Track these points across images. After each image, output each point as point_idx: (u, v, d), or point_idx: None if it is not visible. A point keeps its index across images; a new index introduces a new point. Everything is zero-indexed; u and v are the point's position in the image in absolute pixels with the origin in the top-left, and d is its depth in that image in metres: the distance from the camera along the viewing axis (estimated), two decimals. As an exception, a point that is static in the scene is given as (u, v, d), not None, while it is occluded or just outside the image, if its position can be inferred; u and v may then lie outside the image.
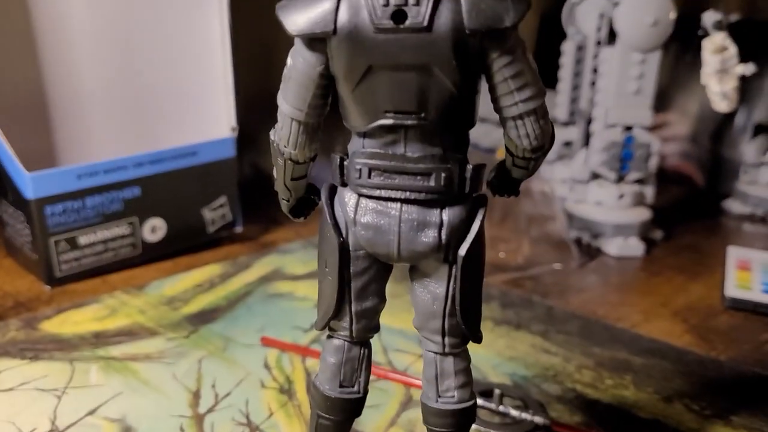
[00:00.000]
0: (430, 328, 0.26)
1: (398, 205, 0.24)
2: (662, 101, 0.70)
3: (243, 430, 0.35)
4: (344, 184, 0.25)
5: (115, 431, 0.34)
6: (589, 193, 0.61)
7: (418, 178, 0.24)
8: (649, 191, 0.62)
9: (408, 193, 0.24)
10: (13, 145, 0.48)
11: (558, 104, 0.67)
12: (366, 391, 0.28)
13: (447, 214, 0.24)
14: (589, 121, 0.63)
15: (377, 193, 0.24)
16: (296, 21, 0.22)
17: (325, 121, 0.25)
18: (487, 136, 0.73)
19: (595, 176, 0.61)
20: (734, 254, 0.58)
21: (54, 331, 0.44)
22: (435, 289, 0.25)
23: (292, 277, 0.53)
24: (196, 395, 0.37)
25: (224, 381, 0.39)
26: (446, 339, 0.26)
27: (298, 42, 0.23)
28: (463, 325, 0.25)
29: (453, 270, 0.25)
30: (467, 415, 0.27)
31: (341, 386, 0.27)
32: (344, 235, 0.25)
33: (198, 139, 0.55)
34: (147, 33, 0.57)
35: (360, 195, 0.24)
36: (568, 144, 0.67)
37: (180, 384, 0.38)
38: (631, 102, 0.58)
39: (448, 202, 0.24)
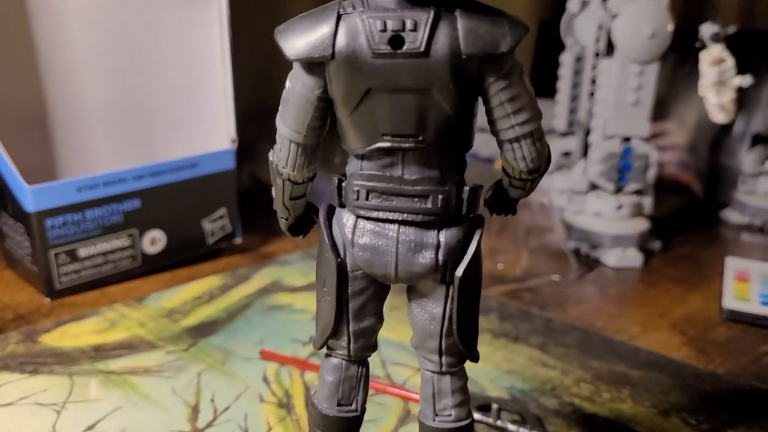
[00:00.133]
0: (427, 347, 0.26)
1: (396, 226, 0.24)
2: (661, 110, 0.71)
3: (242, 445, 0.35)
4: (342, 205, 0.25)
5: (115, 447, 0.34)
6: (588, 204, 0.62)
7: (416, 200, 0.24)
8: (648, 202, 0.62)
9: (405, 215, 0.24)
10: (14, 158, 0.48)
11: (556, 115, 0.67)
12: (364, 410, 0.28)
13: (444, 236, 0.24)
14: (587, 132, 0.63)
15: (375, 214, 0.24)
16: (295, 45, 0.22)
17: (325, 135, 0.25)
18: (485, 146, 0.73)
19: (594, 187, 0.62)
20: (732, 265, 0.58)
21: (54, 345, 0.44)
22: (432, 309, 0.25)
23: (291, 289, 0.53)
24: (195, 410, 0.37)
25: (223, 395, 0.39)
26: (443, 358, 0.26)
27: (296, 66, 0.23)
28: (460, 344, 0.26)
29: (450, 291, 0.25)
30: (465, 433, 0.27)
31: (339, 404, 0.27)
32: (342, 256, 0.25)
33: (198, 151, 0.56)
34: (147, 46, 0.57)
35: (358, 216, 0.25)
36: (566, 155, 0.68)
37: (179, 398, 0.38)
38: (629, 113, 0.59)
39: (445, 224, 0.24)
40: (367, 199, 0.24)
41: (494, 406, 0.37)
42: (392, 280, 0.25)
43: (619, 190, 0.61)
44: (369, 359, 0.28)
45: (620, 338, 0.47)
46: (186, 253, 0.57)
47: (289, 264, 0.58)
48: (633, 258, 0.60)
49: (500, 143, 0.24)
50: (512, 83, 0.23)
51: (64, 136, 0.56)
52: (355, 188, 0.24)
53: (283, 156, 0.25)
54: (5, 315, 0.48)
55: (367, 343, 0.27)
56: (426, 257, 0.24)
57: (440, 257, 0.24)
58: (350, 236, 0.25)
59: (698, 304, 0.53)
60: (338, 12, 0.22)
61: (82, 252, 0.51)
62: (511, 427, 0.36)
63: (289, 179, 0.26)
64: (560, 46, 0.66)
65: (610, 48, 0.58)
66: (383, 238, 0.24)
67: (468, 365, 0.27)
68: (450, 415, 0.27)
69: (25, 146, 0.52)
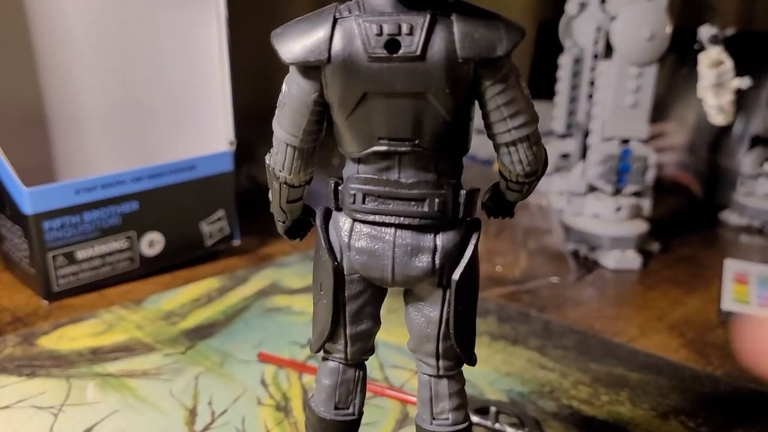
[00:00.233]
0: (424, 350, 0.26)
1: (392, 230, 0.24)
2: (659, 111, 0.71)
3: (239, 448, 0.35)
4: (339, 209, 0.25)
5: (112, 450, 0.34)
6: (586, 206, 0.62)
7: (412, 203, 0.24)
8: (646, 204, 0.62)
9: (402, 219, 0.24)
10: (12, 160, 0.48)
11: (555, 117, 0.68)
12: (361, 413, 0.28)
13: (441, 239, 0.24)
14: (586, 134, 0.63)
15: (371, 218, 0.24)
16: (291, 49, 0.22)
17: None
18: (483, 147, 0.73)
19: (592, 189, 0.62)
20: (731, 267, 0.58)
21: (51, 347, 0.44)
22: (429, 312, 0.25)
23: (289, 291, 0.53)
24: (193, 413, 0.37)
25: (221, 398, 0.39)
26: (440, 362, 0.26)
27: (292, 69, 0.23)
28: (457, 348, 0.25)
29: (447, 294, 0.25)
30: (462, 437, 0.27)
31: (336, 408, 0.27)
32: (339, 259, 0.25)
33: (196, 153, 0.56)
34: (145, 48, 0.57)
35: (354, 220, 0.25)
36: (565, 156, 0.68)
37: (177, 401, 0.38)
38: (627, 115, 0.59)
39: (441, 227, 0.24)
40: (363, 202, 0.24)
41: (492, 408, 0.37)
42: (389, 283, 0.25)
43: (617, 191, 0.61)
44: (366, 362, 0.28)
45: (619, 340, 0.47)
46: (184, 255, 0.57)
47: (287, 266, 0.58)
48: (632, 260, 0.59)
49: (497, 147, 0.24)
50: (508, 87, 0.23)
51: (62, 139, 0.56)
52: (352, 192, 0.24)
53: (279, 159, 0.25)
54: (3, 317, 0.48)
55: (365, 346, 0.27)
56: (423, 261, 0.24)
57: (437, 261, 0.24)
58: (347, 240, 0.25)
59: (697, 306, 0.53)
60: (334, 16, 0.22)
61: (80, 254, 0.51)
62: (509, 430, 0.36)
63: (285, 182, 0.26)
64: (559, 48, 0.66)
65: (608, 50, 0.58)
66: (380, 241, 0.24)
67: (466, 368, 0.27)
68: (447, 419, 0.27)
69: (23, 148, 0.52)
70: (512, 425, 0.36)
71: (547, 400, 0.39)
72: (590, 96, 0.62)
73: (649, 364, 0.44)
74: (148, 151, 0.59)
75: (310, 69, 0.23)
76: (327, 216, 0.26)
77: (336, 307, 0.26)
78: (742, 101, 0.65)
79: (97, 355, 0.43)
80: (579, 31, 0.63)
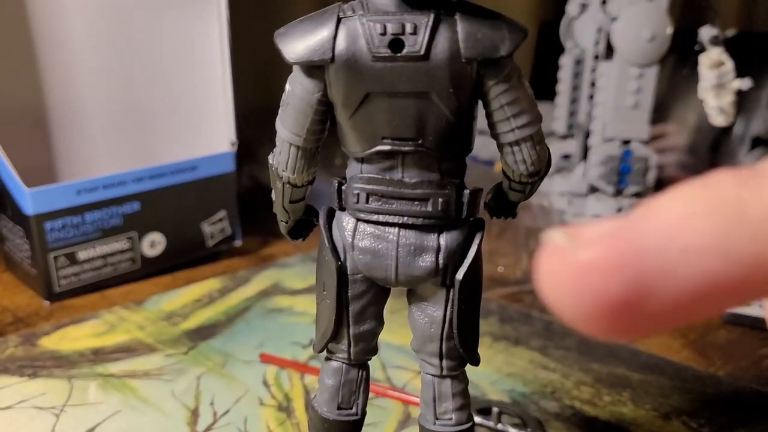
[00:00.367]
0: (427, 350, 0.26)
1: (396, 229, 0.24)
2: (660, 112, 0.71)
3: (241, 449, 0.35)
4: (342, 209, 0.25)
5: (114, 450, 0.34)
6: (588, 207, 0.62)
7: (416, 203, 0.24)
8: (647, 204, 0.62)
9: (405, 218, 0.24)
10: (13, 161, 0.48)
11: (556, 118, 0.67)
12: (364, 413, 0.28)
13: (444, 239, 0.24)
14: (587, 135, 0.63)
15: (375, 217, 0.24)
16: (295, 49, 0.22)
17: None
18: (485, 148, 0.73)
19: (593, 190, 0.62)
20: (732, 268, 0.58)
21: (53, 348, 0.44)
22: (432, 312, 0.25)
23: (291, 292, 0.53)
24: (195, 413, 0.37)
25: (223, 398, 0.39)
26: (444, 362, 0.26)
27: (296, 69, 0.23)
28: (460, 348, 0.25)
29: (450, 294, 0.25)
30: (465, 437, 0.27)
31: (339, 408, 0.27)
32: (342, 259, 0.25)
33: (197, 154, 0.56)
34: (146, 48, 0.57)
35: (358, 219, 0.25)
36: (566, 157, 0.68)
37: (179, 401, 0.38)
38: (628, 116, 0.59)
39: (445, 227, 0.24)
40: (367, 202, 0.24)
41: (495, 409, 0.37)
42: (392, 283, 0.25)
43: (618, 192, 0.61)
44: (369, 362, 0.28)
45: (620, 341, 0.47)
46: (185, 256, 0.57)
47: (289, 267, 0.57)
48: (633, 260, 0.59)
49: (500, 146, 0.24)
50: (512, 87, 0.23)
51: (64, 139, 0.56)
52: (355, 191, 0.24)
53: (282, 159, 0.25)
54: (4, 318, 0.48)
55: (368, 346, 0.27)
56: (426, 260, 0.24)
57: (440, 260, 0.24)
58: (350, 239, 0.25)
59: (698, 306, 0.53)
60: (338, 15, 0.22)
61: (82, 255, 0.51)
62: (511, 430, 0.36)
63: (288, 182, 0.26)
64: (560, 49, 0.66)
65: (609, 51, 0.58)
66: (383, 241, 0.24)
67: (468, 368, 0.27)
68: (451, 419, 0.27)
69: (25, 149, 0.52)
70: (515, 425, 0.36)
71: (549, 400, 0.39)
72: (591, 97, 0.62)
73: (651, 365, 0.44)
74: (149, 151, 0.59)
75: (314, 68, 0.23)
76: (330, 216, 0.26)
77: (339, 307, 0.26)
78: (743, 102, 0.65)
79: (99, 355, 0.43)
80: (580, 32, 0.63)
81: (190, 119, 0.60)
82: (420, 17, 0.21)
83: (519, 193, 0.26)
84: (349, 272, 0.25)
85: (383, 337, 0.28)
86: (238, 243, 0.61)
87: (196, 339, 0.45)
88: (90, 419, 0.37)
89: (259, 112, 0.58)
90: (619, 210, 0.60)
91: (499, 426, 0.36)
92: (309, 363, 0.42)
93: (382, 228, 0.24)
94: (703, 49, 0.58)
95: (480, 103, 0.24)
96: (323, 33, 0.22)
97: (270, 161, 0.26)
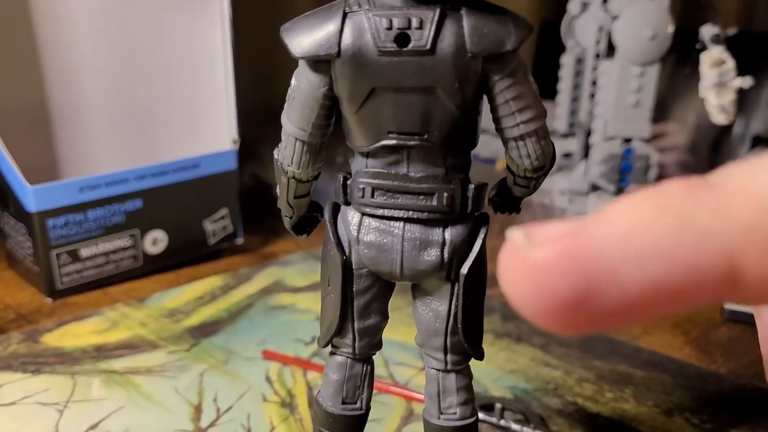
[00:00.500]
0: (432, 345, 0.26)
1: (401, 224, 0.24)
2: (660, 111, 0.71)
3: (245, 444, 0.35)
4: (347, 203, 0.25)
5: (118, 446, 0.34)
6: (589, 205, 0.62)
7: (421, 197, 0.24)
8: (648, 203, 0.62)
9: (410, 213, 0.24)
10: (16, 158, 0.48)
11: (557, 116, 0.68)
12: (368, 408, 0.28)
13: (449, 233, 0.24)
14: (588, 133, 0.63)
15: (380, 212, 0.24)
16: (301, 43, 0.22)
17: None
18: (486, 147, 0.73)
19: (595, 188, 0.62)
20: (733, 266, 0.58)
21: (55, 344, 0.44)
22: (437, 307, 0.25)
23: (293, 289, 0.53)
24: (198, 409, 0.37)
25: (226, 395, 0.39)
26: (448, 356, 0.26)
27: (302, 63, 0.23)
28: (465, 342, 0.26)
29: (455, 288, 0.25)
30: (469, 431, 0.27)
31: (344, 403, 0.27)
32: (347, 254, 0.25)
33: (199, 152, 0.56)
34: (149, 47, 0.57)
35: (363, 214, 0.25)
36: (567, 156, 0.68)
37: (182, 398, 0.38)
38: (629, 114, 0.59)
39: (450, 222, 0.24)
40: (372, 196, 0.24)
41: (498, 405, 0.37)
42: (397, 277, 0.25)
43: (620, 191, 0.61)
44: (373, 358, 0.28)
45: (622, 338, 0.47)
46: (187, 254, 0.57)
47: (290, 264, 0.58)
48: (634, 259, 0.59)
49: (505, 141, 0.24)
50: (517, 82, 0.23)
51: (66, 137, 0.56)
52: (361, 186, 0.24)
53: (288, 154, 0.25)
54: (7, 315, 0.48)
55: (372, 341, 0.27)
56: (431, 255, 0.24)
57: (446, 255, 0.24)
58: (355, 234, 0.25)
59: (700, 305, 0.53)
60: (344, 10, 0.22)
61: (84, 252, 0.51)
62: (514, 426, 0.36)
63: (294, 177, 0.26)
64: (561, 48, 0.66)
65: (610, 50, 0.58)
66: (388, 235, 0.24)
67: (471, 365, 0.27)
68: (455, 414, 0.27)
69: (28, 146, 0.52)
70: (517, 422, 0.36)
71: (551, 397, 0.39)
72: (592, 95, 0.62)
73: (653, 362, 0.44)
74: (151, 149, 0.59)
75: (320, 63, 0.23)
76: (335, 210, 0.26)
77: (344, 302, 0.26)
78: (743, 101, 0.65)
79: (102, 352, 0.43)
80: (581, 31, 0.64)
81: (192, 117, 0.60)
82: (426, 12, 0.21)
83: (523, 188, 0.26)
84: (354, 267, 0.25)
85: (385, 334, 0.28)
86: (239, 241, 0.61)
87: (198, 336, 0.45)
88: (94, 415, 0.37)
89: (260, 110, 0.59)
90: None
91: (502, 422, 0.36)
92: (312, 360, 0.42)
93: (387, 222, 0.24)
94: (704, 48, 0.58)
95: (485, 98, 0.24)
96: (329, 28, 0.22)
97: (275, 156, 0.26)
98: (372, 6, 0.22)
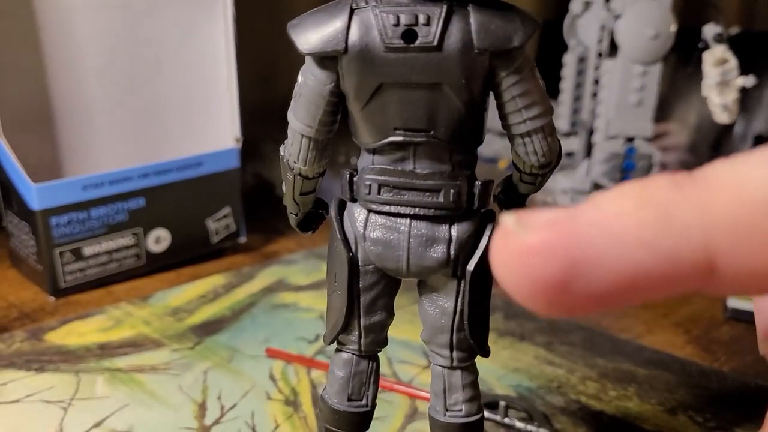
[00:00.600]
0: (438, 342, 0.26)
1: (407, 220, 0.24)
2: (662, 111, 0.71)
3: (249, 442, 0.35)
4: (354, 200, 0.25)
5: (122, 443, 0.34)
6: (591, 204, 0.62)
7: (427, 194, 0.24)
8: (651, 202, 0.62)
9: (417, 209, 0.24)
10: (19, 156, 0.48)
11: (559, 115, 0.68)
12: (374, 405, 0.28)
13: (456, 230, 0.24)
14: (590, 132, 0.63)
15: (386, 208, 0.24)
16: (308, 39, 0.22)
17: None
18: (488, 146, 0.73)
19: (597, 187, 0.62)
20: (735, 265, 0.58)
21: (59, 343, 0.44)
22: (443, 303, 0.26)
23: (295, 288, 0.53)
24: (202, 407, 0.37)
25: (230, 393, 0.39)
26: (454, 353, 0.26)
27: (309, 60, 0.23)
28: (470, 339, 0.26)
29: (461, 285, 0.25)
30: (475, 428, 0.27)
31: (349, 399, 0.27)
32: (354, 250, 0.25)
33: (202, 150, 0.56)
34: (152, 45, 0.57)
35: (369, 211, 0.25)
36: (569, 155, 0.68)
37: (186, 396, 0.38)
38: (632, 113, 0.59)
39: (456, 218, 0.24)
40: (378, 193, 0.24)
41: (502, 403, 0.37)
42: (404, 274, 0.25)
43: (622, 190, 0.61)
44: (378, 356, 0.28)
45: (625, 337, 0.47)
46: (190, 252, 0.57)
47: (293, 263, 0.58)
48: (636, 258, 0.59)
49: (511, 138, 0.24)
50: (524, 78, 0.23)
51: (70, 135, 0.56)
52: (367, 182, 0.24)
53: (294, 150, 0.25)
54: (10, 313, 0.48)
55: (378, 337, 0.27)
56: (438, 251, 0.24)
57: (452, 251, 0.24)
58: (362, 230, 0.25)
59: (702, 303, 0.53)
60: (351, 6, 0.22)
61: (87, 250, 0.51)
62: (518, 424, 0.36)
63: (300, 174, 0.26)
64: (563, 47, 0.66)
65: (613, 49, 0.58)
66: (395, 232, 0.24)
67: (475, 363, 0.27)
68: (461, 410, 0.27)
69: (31, 144, 0.52)
70: (521, 420, 0.36)
71: (555, 395, 0.40)
72: (594, 94, 0.62)
73: (656, 360, 0.44)
74: (154, 147, 0.59)
75: (327, 60, 0.23)
76: (341, 207, 0.26)
77: (350, 299, 0.26)
78: (745, 101, 0.65)
79: (105, 350, 0.43)
80: (583, 30, 0.64)
81: (195, 116, 0.60)
82: (433, 8, 0.21)
83: (529, 185, 0.26)
84: (360, 263, 0.25)
85: (389, 333, 0.28)
86: (242, 239, 0.61)
87: (201, 334, 0.45)
88: (98, 413, 0.37)
89: (263, 109, 0.59)
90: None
91: (506, 420, 0.36)
92: (315, 358, 0.42)
93: (393, 219, 0.24)
94: (707, 47, 0.58)
95: (491, 94, 0.24)
96: (336, 24, 0.22)
97: (281, 152, 0.26)
98: (379, 2, 0.22)
